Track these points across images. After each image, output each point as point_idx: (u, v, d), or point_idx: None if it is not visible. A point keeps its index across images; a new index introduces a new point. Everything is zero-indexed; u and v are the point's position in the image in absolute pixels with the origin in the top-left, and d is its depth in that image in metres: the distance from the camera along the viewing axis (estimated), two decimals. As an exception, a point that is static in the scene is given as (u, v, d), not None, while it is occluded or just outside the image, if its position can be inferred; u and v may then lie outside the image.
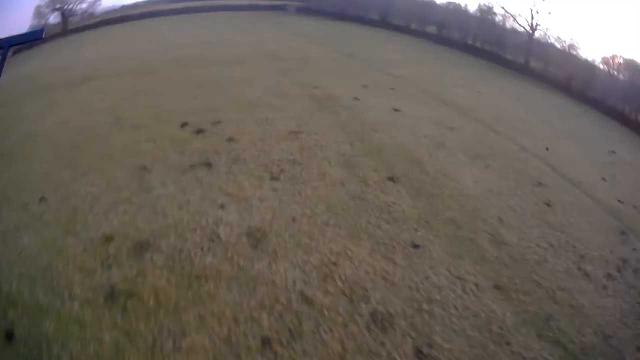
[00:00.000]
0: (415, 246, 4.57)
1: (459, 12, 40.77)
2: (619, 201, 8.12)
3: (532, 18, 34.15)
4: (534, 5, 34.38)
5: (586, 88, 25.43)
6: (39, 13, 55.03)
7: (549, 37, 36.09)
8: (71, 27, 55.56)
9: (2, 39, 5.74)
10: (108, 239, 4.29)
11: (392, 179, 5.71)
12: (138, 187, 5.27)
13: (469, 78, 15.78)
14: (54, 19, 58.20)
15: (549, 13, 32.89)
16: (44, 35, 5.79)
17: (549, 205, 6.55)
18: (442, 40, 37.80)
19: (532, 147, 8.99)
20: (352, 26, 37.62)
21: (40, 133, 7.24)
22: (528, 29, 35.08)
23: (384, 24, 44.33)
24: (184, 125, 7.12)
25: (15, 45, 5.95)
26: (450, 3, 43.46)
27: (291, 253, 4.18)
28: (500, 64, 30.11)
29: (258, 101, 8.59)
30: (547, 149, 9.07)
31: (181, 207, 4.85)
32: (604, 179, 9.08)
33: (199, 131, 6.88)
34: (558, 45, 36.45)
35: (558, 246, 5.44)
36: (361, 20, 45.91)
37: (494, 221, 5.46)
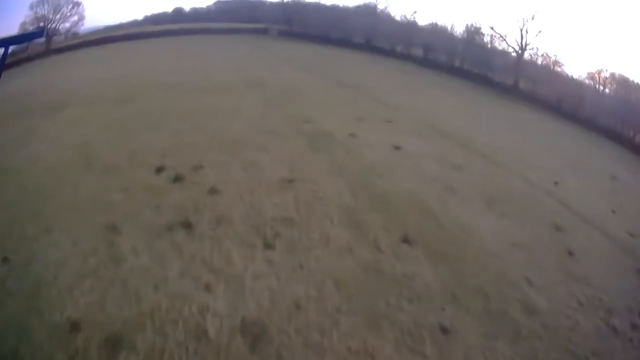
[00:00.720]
0: (445, 330, 3.85)
1: (445, 34, 41.21)
2: (631, 235, 7.97)
3: (522, 38, 34.57)
4: (523, 25, 34.67)
5: (576, 107, 25.77)
6: (23, 30, 54.36)
7: (537, 56, 36.53)
8: (54, 46, 54.26)
9: (2, 39, 5.42)
10: (74, 327, 3.51)
11: (406, 240, 4.96)
12: (106, 255, 4.42)
13: (462, 104, 15.64)
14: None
15: (539, 31, 33.32)
16: (44, 36, 5.47)
17: (570, 253, 6.14)
18: (427, 62, 37.66)
19: (539, 181, 8.65)
20: (336, 50, 37.18)
21: (10, 169, 6.41)
22: (517, 49, 35.44)
23: (369, 47, 44.15)
24: (159, 170, 6.28)
25: (16, 44, 5.61)
26: (434, 25, 43.96)
27: (299, 356, 3.37)
28: (489, 86, 30.33)
29: (243, 138, 7.75)
30: (556, 183, 8.70)
31: (157, 287, 4.01)
32: (613, 211, 8.82)
33: (177, 178, 6.04)
34: (546, 64, 36.91)
35: (586, 303, 5.10)
36: (345, 43, 45.52)
37: (522, 283, 4.89)
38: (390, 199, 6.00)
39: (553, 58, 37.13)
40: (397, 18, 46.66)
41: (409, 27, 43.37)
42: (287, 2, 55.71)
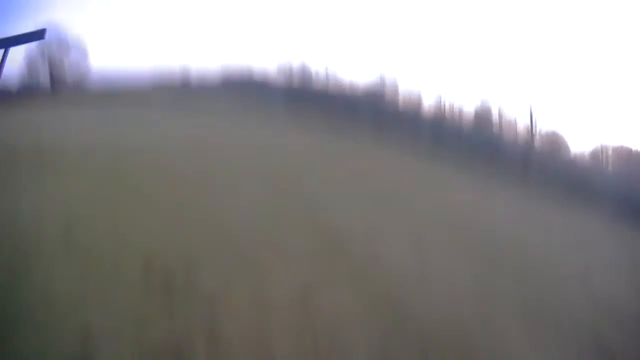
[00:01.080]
0: None
1: (452, 121, 42.65)
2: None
3: (531, 120, 35.73)
4: (532, 106, 35.86)
5: (591, 191, 25.47)
6: (29, 65, 57.42)
7: (544, 137, 37.42)
8: (58, 87, 56.30)
9: (2, 39, 5.83)
10: None
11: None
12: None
13: (480, 200, 15.30)
14: (43, 76, 59.45)
15: (545, 112, 34.55)
16: (45, 36, 5.30)
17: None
18: (433, 149, 38.94)
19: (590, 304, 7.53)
20: (340, 139, 37.73)
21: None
22: (526, 134, 36.54)
23: (370, 134, 46.01)
24: (147, 279, 5.14)
25: (16, 45, 5.40)
26: (438, 111, 45.72)
27: None
28: (499, 174, 30.56)
29: (245, 234, 6.61)
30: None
31: None
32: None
33: (167, 301, 4.69)
34: (554, 145, 37.55)
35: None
36: (349, 131, 47.08)
37: None
38: (427, 332, 5.00)
39: (562, 135, 37.77)
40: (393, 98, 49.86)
41: (411, 113, 45.13)
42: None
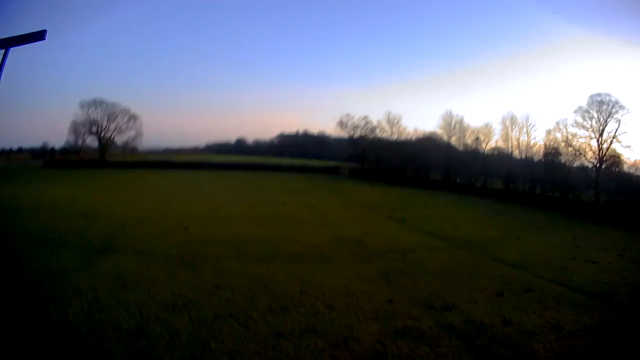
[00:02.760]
0: None
1: (526, 161, 40.91)
2: None
3: (599, 148, 34.23)
4: (602, 136, 34.07)
5: None
6: (74, 129, 57.85)
7: (618, 166, 35.05)
8: (109, 157, 57.21)
9: (3, 39, 5.29)
10: None
11: None
12: None
13: (568, 245, 15.41)
14: (91, 141, 59.49)
15: (628, 146, 32.83)
16: (45, 37, 5.31)
17: None
18: (508, 195, 36.96)
19: None
20: (416, 192, 36.60)
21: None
22: (595, 162, 34.73)
23: (446, 184, 43.88)
24: None
25: (17, 45, 5.31)
26: (503, 154, 44.56)
27: None
28: (570, 210, 29.07)
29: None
30: None
31: None
32: None
33: None
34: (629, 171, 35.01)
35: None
36: (421, 182, 45.35)
37: None
38: None
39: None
40: (460, 148, 49.35)
41: (486, 159, 43.72)
42: (359, 138, 59.51)
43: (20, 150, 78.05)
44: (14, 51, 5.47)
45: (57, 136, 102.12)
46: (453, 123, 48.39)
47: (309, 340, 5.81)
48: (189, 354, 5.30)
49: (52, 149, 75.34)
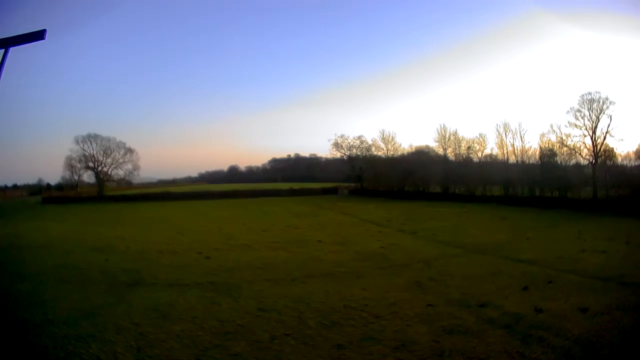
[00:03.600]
0: None
1: (522, 165, 41.84)
2: None
3: (594, 145, 35.52)
4: (596, 132, 35.11)
5: None
6: (70, 165, 58.74)
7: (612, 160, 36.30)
8: (107, 191, 58.16)
9: (3, 39, 5.27)
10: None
11: None
12: None
13: (576, 239, 16.24)
14: (87, 177, 60.77)
15: (621, 140, 34.11)
16: (45, 37, 5.20)
17: None
18: (508, 200, 38.05)
19: None
20: (418, 205, 37.32)
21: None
22: (590, 159, 35.97)
23: (446, 195, 44.74)
24: None
25: (16, 45, 5.20)
26: (499, 161, 44.78)
27: None
28: (569, 207, 29.98)
29: None
30: None
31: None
32: None
33: None
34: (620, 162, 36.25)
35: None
36: (421, 195, 46.12)
37: None
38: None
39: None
40: (456, 159, 50.33)
41: (484, 167, 44.56)
42: (355, 157, 60.74)
43: (15, 186, 79.91)
44: (13, 51, 5.41)
45: (51, 172, 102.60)
46: (447, 135, 49.83)
47: (369, 348, 6.30)
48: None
49: (48, 185, 76.70)
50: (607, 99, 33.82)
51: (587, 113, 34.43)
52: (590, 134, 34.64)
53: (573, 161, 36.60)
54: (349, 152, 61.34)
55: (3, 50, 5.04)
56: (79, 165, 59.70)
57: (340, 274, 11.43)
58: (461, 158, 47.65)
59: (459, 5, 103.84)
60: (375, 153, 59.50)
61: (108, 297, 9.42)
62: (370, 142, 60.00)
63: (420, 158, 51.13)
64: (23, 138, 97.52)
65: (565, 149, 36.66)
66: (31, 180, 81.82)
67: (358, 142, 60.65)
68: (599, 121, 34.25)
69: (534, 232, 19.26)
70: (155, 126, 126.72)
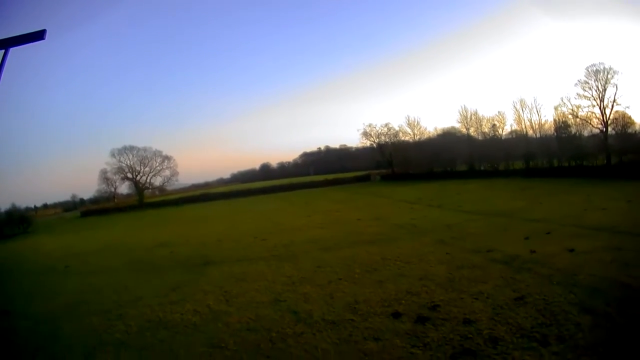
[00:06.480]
0: None
1: (540, 139, 43.27)
2: None
3: (602, 114, 36.22)
4: (603, 102, 36.02)
5: None
6: (105, 178, 60.89)
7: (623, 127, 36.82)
8: (145, 199, 59.65)
9: (3, 39, 5.18)
10: None
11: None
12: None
13: (583, 201, 18.03)
14: (124, 188, 63.23)
15: (627, 107, 34.76)
16: (45, 37, 5.13)
17: None
18: (529, 172, 39.29)
19: None
20: (447, 183, 39.05)
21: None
22: (601, 127, 36.71)
23: (472, 172, 46.79)
24: None
25: (16, 46, 5.14)
26: (519, 136, 46.46)
27: None
28: (585, 176, 31.15)
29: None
30: None
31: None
32: None
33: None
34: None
35: None
36: (449, 175, 48.57)
37: None
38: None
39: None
40: (479, 138, 51.92)
41: (506, 143, 46.37)
42: (384, 144, 62.85)
43: (45, 206, 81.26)
44: (13, 51, 5.34)
45: (82, 188, 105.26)
46: (469, 115, 51.03)
47: (401, 280, 8.89)
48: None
49: (82, 200, 78.97)
50: (611, 68, 34.58)
51: (593, 84, 35.19)
52: (599, 103, 35.29)
53: (587, 131, 37.35)
54: (377, 139, 63.08)
55: (3, 51, 4.97)
56: (114, 177, 61.66)
57: (378, 241, 13.89)
58: (487, 136, 48.78)
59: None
60: (402, 138, 60.97)
61: (186, 275, 11.56)
62: (397, 129, 61.79)
63: (446, 139, 52.42)
64: (52, 157, 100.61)
65: (577, 119, 37.44)
66: (62, 198, 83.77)
67: (386, 129, 62.45)
68: (605, 91, 34.80)
69: (548, 197, 21.14)
70: (177, 130, 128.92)
